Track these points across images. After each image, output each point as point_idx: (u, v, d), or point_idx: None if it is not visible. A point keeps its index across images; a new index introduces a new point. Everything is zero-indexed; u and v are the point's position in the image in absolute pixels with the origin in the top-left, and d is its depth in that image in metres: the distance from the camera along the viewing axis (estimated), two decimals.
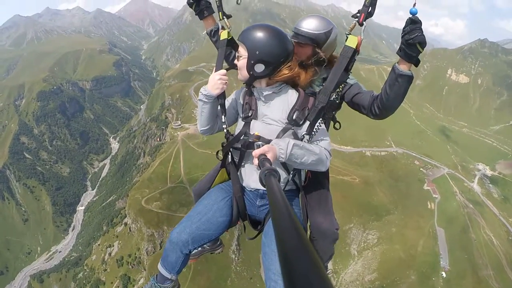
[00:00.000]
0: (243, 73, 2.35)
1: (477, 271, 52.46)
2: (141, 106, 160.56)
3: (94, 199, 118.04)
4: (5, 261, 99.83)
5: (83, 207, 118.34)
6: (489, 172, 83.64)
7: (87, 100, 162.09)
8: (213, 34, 2.90)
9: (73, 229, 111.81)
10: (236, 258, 49.75)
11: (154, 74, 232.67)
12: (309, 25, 2.71)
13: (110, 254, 71.04)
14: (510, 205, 71.30)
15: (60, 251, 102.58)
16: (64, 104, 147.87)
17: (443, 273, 51.23)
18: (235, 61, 2.39)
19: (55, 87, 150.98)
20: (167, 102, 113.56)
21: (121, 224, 73.85)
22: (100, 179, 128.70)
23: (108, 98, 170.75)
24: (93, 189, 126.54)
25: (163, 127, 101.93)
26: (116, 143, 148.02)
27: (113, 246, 71.42)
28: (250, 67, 2.28)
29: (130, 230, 66.43)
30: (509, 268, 55.73)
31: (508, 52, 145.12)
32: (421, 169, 77.91)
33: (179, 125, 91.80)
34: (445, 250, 54.93)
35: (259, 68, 2.26)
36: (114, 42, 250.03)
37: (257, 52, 2.21)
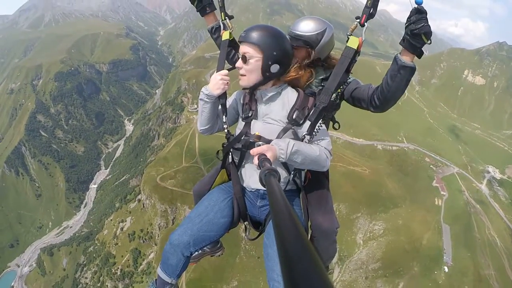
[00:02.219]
0: (255, 75, 2.34)
1: (479, 270, 53.00)
2: (157, 91, 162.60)
3: (107, 178, 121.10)
4: (16, 234, 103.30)
5: (95, 185, 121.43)
6: (498, 175, 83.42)
7: (104, 82, 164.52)
8: (214, 31, 2.96)
9: (85, 206, 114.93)
10: (246, 237, 51.28)
11: (170, 59, 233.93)
12: (302, 28, 2.72)
13: (122, 229, 73.43)
14: None
15: (71, 227, 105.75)
16: (81, 85, 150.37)
17: (446, 268, 51.91)
18: (240, 65, 2.34)
19: (72, 69, 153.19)
20: (183, 87, 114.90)
21: (135, 201, 76.14)
22: (114, 159, 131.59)
23: (124, 81, 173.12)
24: (106, 169, 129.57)
25: (178, 111, 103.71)
26: (131, 125, 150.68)
27: (126, 221, 73.80)
28: (266, 68, 2.29)
29: (143, 206, 68.60)
30: (510, 270, 56.21)
31: None
32: (431, 166, 78.36)
33: (195, 108, 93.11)
34: (449, 246, 55.53)
35: (275, 68, 2.30)
36: (131, 27, 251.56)
37: (275, 53, 2.25)
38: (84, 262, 77.77)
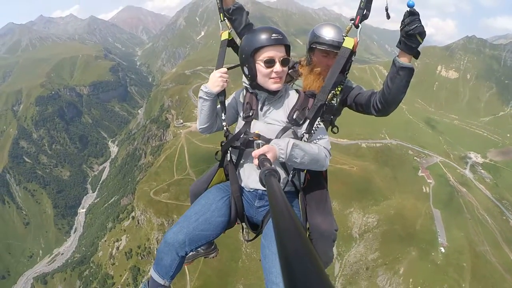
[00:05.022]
0: (284, 77, 2.37)
1: (474, 247, 55.16)
2: (139, 111, 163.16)
3: (95, 201, 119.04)
4: (6, 265, 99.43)
5: (84, 210, 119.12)
6: (480, 160, 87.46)
7: (85, 105, 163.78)
8: (232, 13, 2.82)
9: (75, 231, 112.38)
10: (243, 239, 51.75)
11: (150, 79, 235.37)
12: (340, 35, 2.82)
13: (118, 248, 72.34)
14: (502, 189, 74.91)
15: (62, 253, 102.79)
16: (63, 109, 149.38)
17: (442, 248, 53.76)
18: (281, 68, 2.27)
19: (53, 92, 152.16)
20: (167, 104, 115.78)
21: (128, 219, 75.50)
22: (101, 181, 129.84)
23: (106, 103, 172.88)
24: (93, 192, 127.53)
25: (164, 128, 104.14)
26: (115, 146, 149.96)
27: (121, 240, 72.86)
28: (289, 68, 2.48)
29: (138, 223, 68.01)
30: (505, 244, 59.14)
31: (495, 48, 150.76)
32: (415, 158, 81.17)
33: (181, 123, 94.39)
34: (442, 228, 57.66)
35: None
36: (108, 48, 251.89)
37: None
38: (81, 287, 75.79)
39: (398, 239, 53.94)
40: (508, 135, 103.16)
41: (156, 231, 61.36)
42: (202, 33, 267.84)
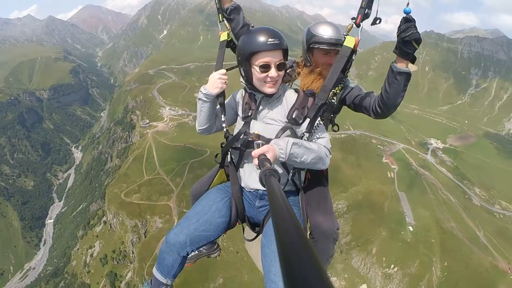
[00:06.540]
0: (280, 80, 2.35)
1: (441, 224, 59.05)
2: (102, 113, 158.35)
3: (63, 210, 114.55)
4: None
5: (51, 220, 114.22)
6: (441, 145, 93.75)
7: (46, 109, 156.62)
8: (230, 12, 2.85)
9: (44, 244, 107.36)
10: (222, 234, 52.17)
11: (112, 80, 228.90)
12: (339, 33, 2.77)
13: (91, 255, 70.12)
14: (463, 171, 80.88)
15: (34, 268, 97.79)
16: (23, 115, 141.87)
17: (410, 227, 57.26)
18: (276, 73, 2.24)
19: (12, 98, 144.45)
20: (131, 105, 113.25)
21: (100, 224, 73.39)
22: (67, 189, 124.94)
23: (67, 107, 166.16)
24: (60, 201, 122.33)
25: (129, 130, 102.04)
26: (79, 152, 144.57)
27: (94, 246, 70.73)
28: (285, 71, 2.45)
29: (110, 227, 66.44)
30: (470, 220, 64.12)
31: (452, 41, 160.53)
32: (378, 146, 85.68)
33: (148, 123, 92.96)
34: (408, 209, 61.39)
35: None
36: (68, 49, 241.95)
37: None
38: None
39: (368, 222, 56.69)
40: (466, 121, 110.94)
41: (130, 233, 60.37)
42: (165, 32, 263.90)
